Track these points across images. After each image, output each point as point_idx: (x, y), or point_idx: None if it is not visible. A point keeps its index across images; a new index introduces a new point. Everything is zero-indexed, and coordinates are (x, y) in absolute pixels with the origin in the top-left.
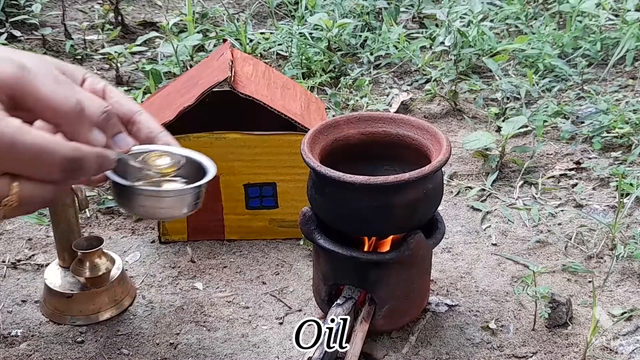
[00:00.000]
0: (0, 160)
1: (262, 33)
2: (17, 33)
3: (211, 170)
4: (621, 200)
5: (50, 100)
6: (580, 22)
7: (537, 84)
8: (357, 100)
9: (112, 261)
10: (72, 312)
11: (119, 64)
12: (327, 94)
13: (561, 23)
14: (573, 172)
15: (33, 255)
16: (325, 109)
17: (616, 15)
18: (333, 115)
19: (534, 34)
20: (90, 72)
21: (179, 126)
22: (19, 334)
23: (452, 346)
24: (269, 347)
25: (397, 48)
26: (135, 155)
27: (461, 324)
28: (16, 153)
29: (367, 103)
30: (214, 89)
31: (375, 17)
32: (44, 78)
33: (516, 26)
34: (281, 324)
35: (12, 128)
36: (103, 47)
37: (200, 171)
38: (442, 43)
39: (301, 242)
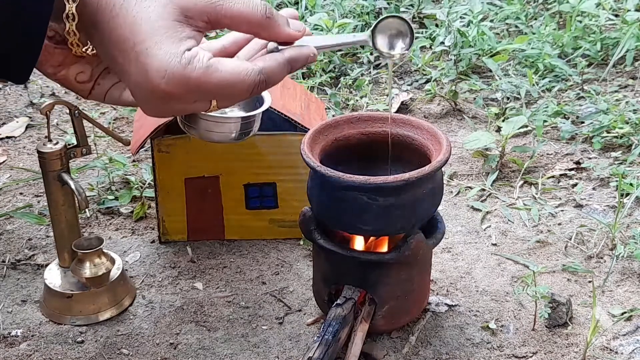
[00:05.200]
0: (195, 95)
1: None
2: None
3: (267, 101)
4: (621, 200)
5: (243, 16)
6: (580, 22)
7: (537, 84)
8: (357, 100)
9: (112, 261)
10: (72, 312)
11: None
12: (327, 94)
13: (561, 23)
14: (573, 172)
15: (33, 255)
16: (325, 109)
17: (616, 15)
18: (333, 115)
19: (534, 34)
20: None
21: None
22: (19, 334)
23: (452, 346)
24: (269, 347)
25: None
26: None
27: (461, 324)
28: (209, 90)
29: (367, 103)
30: None
31: (375, 17)
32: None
33: (516, 26)
34: (281, 324)
35: (200, 68)
36: None
37: (259, 100)
38: (442, 43)
39: (301, 242)
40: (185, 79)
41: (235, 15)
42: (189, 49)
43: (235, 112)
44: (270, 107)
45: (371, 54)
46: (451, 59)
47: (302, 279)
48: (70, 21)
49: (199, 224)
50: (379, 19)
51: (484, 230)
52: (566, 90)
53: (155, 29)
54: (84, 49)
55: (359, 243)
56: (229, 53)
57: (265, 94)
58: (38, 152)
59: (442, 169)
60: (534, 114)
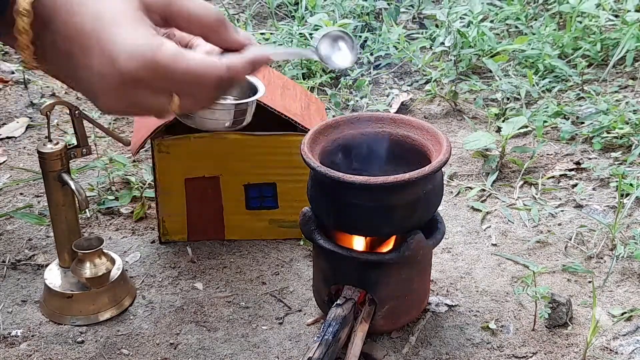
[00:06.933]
0: (161, 83)
1: (262, 33)
2: None
3: (260, 90)
4: (621, 200)
5: (197, 17)
6: (580, 22)
7: (537, 85)
8: (357, 101)
9: (112, 261)
10: (72, 312)
11: None
12: (327, 94)
13: (561, 23)
14: (573, 172)
15: (33, 255)
16: (326, 109)
17: (616, 16)
18: (333, 116)
19: (534, 34)
20: None
21: (180, 126)
22: (19, 334)
23: (452, 346)
24: (269, 347)
25: (397, 48)
26: None
27: (461, 324)
28: (175, 78)
29: (367, 103)
30: None
31: (375, 18)
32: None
33: (516, 26)
34: (281, 324)
35: (170, 53)
36: None
37: (253, 91)
38: (442, 43)
39: (301, 242)
40: (154, 63)
41: (191, 15)
42: (155, 36)
43: (229, 101)
44: (270, 107)
45: (371, 54)
46: (451, 60)
47: (302, 279)
48: (24, 19)
49: (199, 224)
50: (322, 35)
51: (484, 230)
52: (566, 91)
53: (120, 17)
54: (32, 55)
55: (359, 243)
56: None
57: (259, 83)
58: (38, 152)
59: (442, 169)
60: (534, 114)
